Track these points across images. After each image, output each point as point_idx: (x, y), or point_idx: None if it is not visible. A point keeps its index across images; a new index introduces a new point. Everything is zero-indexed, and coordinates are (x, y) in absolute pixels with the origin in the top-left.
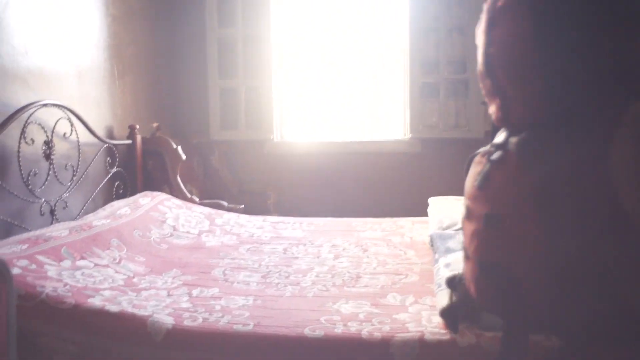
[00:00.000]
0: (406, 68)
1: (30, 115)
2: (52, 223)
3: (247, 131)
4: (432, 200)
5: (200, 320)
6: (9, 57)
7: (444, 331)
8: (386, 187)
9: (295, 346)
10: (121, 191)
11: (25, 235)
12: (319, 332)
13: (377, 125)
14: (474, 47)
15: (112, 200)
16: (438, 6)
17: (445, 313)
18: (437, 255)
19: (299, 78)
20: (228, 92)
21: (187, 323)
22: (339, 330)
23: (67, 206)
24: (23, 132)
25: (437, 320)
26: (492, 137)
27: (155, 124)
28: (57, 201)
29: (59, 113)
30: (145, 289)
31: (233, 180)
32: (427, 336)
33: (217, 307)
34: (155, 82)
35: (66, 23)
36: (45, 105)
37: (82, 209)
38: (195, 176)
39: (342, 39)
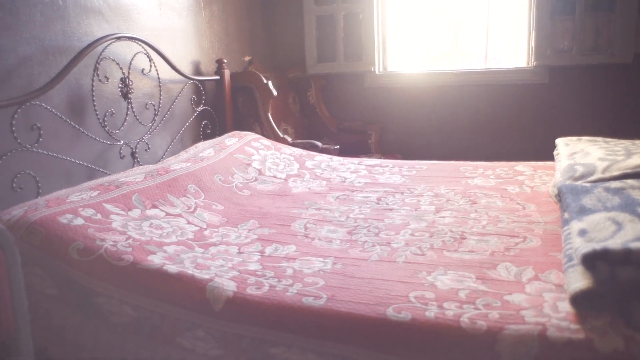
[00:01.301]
0: None
1: (103, 50)
2: (133, 166)
3: (345, 63)
4: (560, 142)
5: (267, 287)
6: None
7: (576, 326)
8: (505, 125)
9: (374, 330)
10: (209, 131)
11: (98, 181)
12: (404, 315)
13: (495, 52)
14: None
15: (199, 140)
16: None
17: (580, 300)
18: (566, 215)
19: (404, 1)
20: (325, 19)
21: (251, 291)
22: (431, 313)
23: (149, 148)
24: (96, 68)
25: (567, 308)
26: None
27: (247, 58)
28: (138, 143)
29: (136, 47)
30: (214, 244)
31: (331, 118)
32: (551, 332)
33: (289, 272)
34: (245, 11)
35: None
36: (119, 38)
37: (166, 150)
38: (291, 113)
39: None
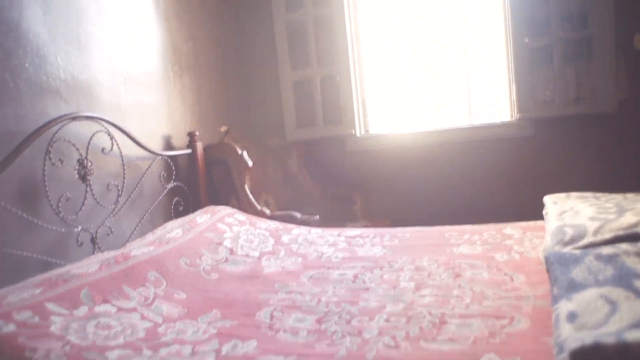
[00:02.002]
0: (508, 30)
1: (57, 131)
2: (94, 253)
3: (325, 127)
4: (548, 200)
5: None
6: (36, 68)
7: None
8: (493, 181)
9: None
10: (181, 208)
11: (46, 275)
12: None
13: (477, 108)
14: None
15: (171, 219)
16: None
17: None
18: (555, 290)
19: (380, 61)
20: (302, 84)
21: None
22: None
23: (112, 232)
24: (48, 151)
25: None
26: None
27: (223, 128)
28: (99, 228)
29: (96, 126)
30: (166, 344)
31: (314, 185)
32: None
33: None
34: (219, 80)
35: (105, 22)
36: (74, 118)
37: (132, 233)
38: (272, 183)
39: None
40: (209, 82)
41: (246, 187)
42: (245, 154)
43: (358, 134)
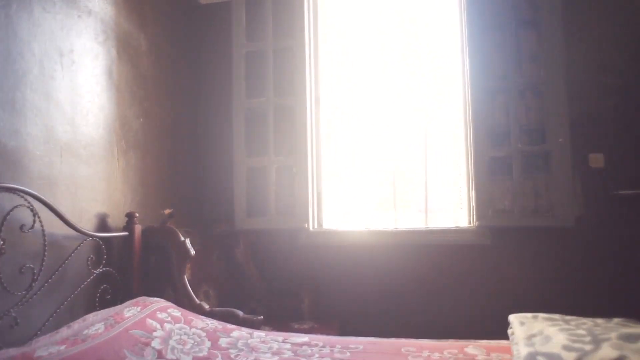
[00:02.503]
0: (469, 139)
1: None
2: None
3: (278, 218)
4: (514, 320)
5: None
6: None
7: None
8: (450, 289)
9: None
10: (109, 296)
11: None
12: None
13: (435, 211)
14: (555, 109)
15: (95, 309)
16: (505, 63)
17: None
18: None
19: (338, 154)
20: (256, 172)
21: None
22: None
23: (17, 324)
24: None
25: None
26: None
27: (167, 211)
28: (2, 318)
29: (17, 199)
30: None
31: (260, 278)
32: None
33: None
34: (168, 161)
35: (47, 88)
36: None
37: (44, 325)
38: (215, 274)
39: (389, 100)
40: (157, 161)
41: (185, 278)
42: (188, 242)
43: (311, 228)
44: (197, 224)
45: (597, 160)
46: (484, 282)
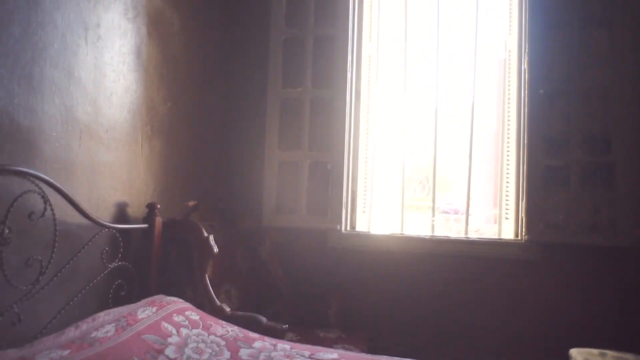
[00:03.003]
0: (522, 145)
1: None
2: None
3: (308, 217)
4: (577, 356)
5: None
6: None
7: None
8: (489, 309)
9: None
10: (123, 293)
11: None
12: None
13: (480, 219)
14: (624, 116)
15: (108, 307)
16: (568, 64)
17: None
18: None
19: (377, 152)
20: (288, 166)
21: None
22: None
23: (20, 321)
24: None
25: None
26: None
27: (191, 202)
28: (3, 314)
29: (26, 184)
30: None
31: (286, 280)
32: None
33: None
34: (195, 149)
35: (69, 64)
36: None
37: (50, 323)
38: (238, 272)
39: (435, 102)
40: (183, 150)
41: (206, 277)
42: (211, 238)
43: (343, 230)
44: (221, 218)
45: None
46: (531, 303)
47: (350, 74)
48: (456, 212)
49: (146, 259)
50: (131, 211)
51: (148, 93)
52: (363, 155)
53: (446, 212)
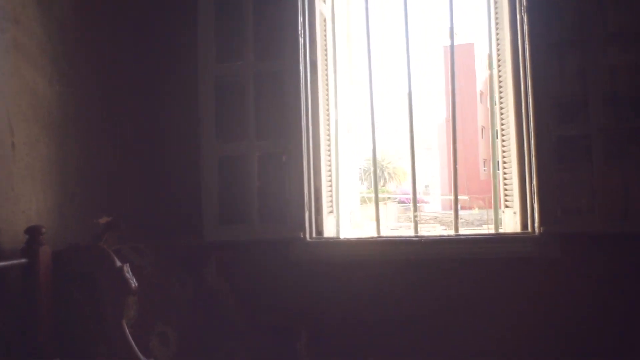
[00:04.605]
0: (527, 112)
1: None
2: None
3: (262, 226)
4: None
5: None
6: None
7: None
8: (500, 322)
9: None
10: None
11: None
12: None
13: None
14: None
15: None
16: (580, 6)
17: None
18: None
19: (341, 137)
20: (232, 162)
21: None
22: None
23: None
24: None
25: None
26: None
27: (103, 219)
28: None
29: None
30: None
31: (240, 309)
32: None
33: None
34: (107, 148)
35: None
36: None
37: None
38: (176, 304)
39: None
40: (87, 149)
41: (124, 324)
42: (126, 269)
43: (308, 238)
44: (150, 236)
45: None
46: (550, 311)
47: (303, 40)
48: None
49: (28, 310)
50: (6, 240)
51: (22, 72)
52: (325, 141)
53: (403, 202)
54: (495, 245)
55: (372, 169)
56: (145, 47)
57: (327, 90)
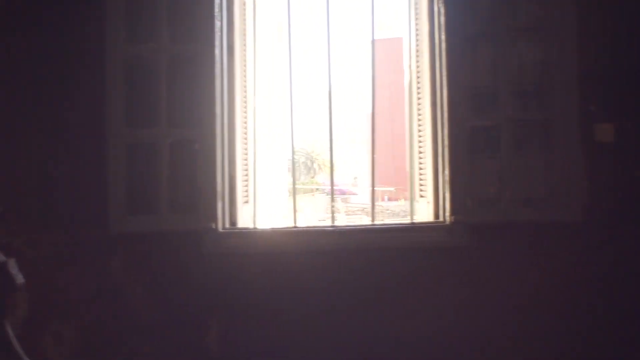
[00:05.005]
0: (441, 103)
1: None
2: None
3: (172, 216)
4: None
5: None
6: None
7: None
8: (414, 310)
9: None
10: None
11: None
12: None
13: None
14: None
15: None
16: (492, 2)
17: None
18: None
19: (259, 125)
20: (141, 149)
21: None
22: None
23: None
24: None
25: None
26: None
27: None
28: None
29: None
30: None
31: (148, 303)
32: None
33: None
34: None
35: None
36: None
37: None
38: (75, 301)
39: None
40: None
41: (7, 327)
42: (12, 263)
43: (220, 228)
44: (47, 228)
45: (606, 132)
46: (459, 299)
47: (220, 23)
48: (342, 193)
49: None
50: None
51: None
52: (241, 129)
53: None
54: (408, 234)
55: (301, 159)
56: (46, 24)
57: (246, 77)
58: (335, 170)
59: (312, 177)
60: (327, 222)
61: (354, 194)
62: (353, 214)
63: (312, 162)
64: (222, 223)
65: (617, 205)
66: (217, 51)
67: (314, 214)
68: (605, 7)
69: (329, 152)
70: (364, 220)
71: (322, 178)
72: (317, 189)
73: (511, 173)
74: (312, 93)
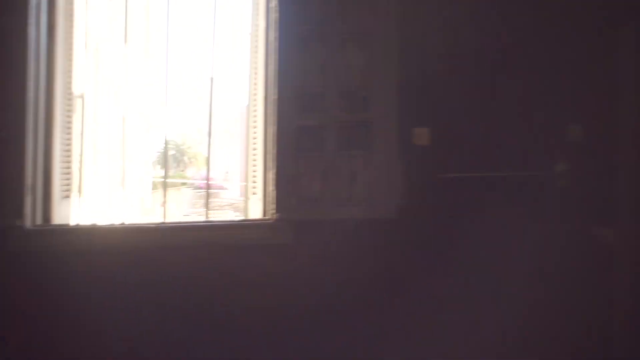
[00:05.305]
0: (270, 101)
1: None
2: None
3: None
4: None
5: None
6: None
7: None
8: (243, 308)
9: None
10: None
11: None
12: None
13: (236, 194)
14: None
15: None
16: (324, 5)
17: None
18: None
19: (96, 115)
20: None
21: None
22: None
23: None
24: None
25: None
26: None
27: None
28: None
29: None
30: None
31: None
32: None
33: None
34: None
35: None
36: None
37: None
38: None
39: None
40: None
41: None
42: None
43: (29, 225)
44: None
45: (422, 135)
46: (282, 296)
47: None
48: (212, 188)
49: None
50: None
51: None
52: (64, 117)
53: (201, 188)
54: (236, 231)
55: (170, 152)
56: None
57: (72, 61)
58: (205, 163)
59: (182, 171)
60: (195, 218)
61: (224, 188)
62: (221, 209)
63: (183, 155)
64: (32, 220)
65: (429, 204)
66: (32, 29)
67: (179, 209)
68: (424, 20)
69: (200, 145)
70: (230, 215)
71: (192, 172)
72: (184, 183)
73: (334, 172)
74: (186, 82)
